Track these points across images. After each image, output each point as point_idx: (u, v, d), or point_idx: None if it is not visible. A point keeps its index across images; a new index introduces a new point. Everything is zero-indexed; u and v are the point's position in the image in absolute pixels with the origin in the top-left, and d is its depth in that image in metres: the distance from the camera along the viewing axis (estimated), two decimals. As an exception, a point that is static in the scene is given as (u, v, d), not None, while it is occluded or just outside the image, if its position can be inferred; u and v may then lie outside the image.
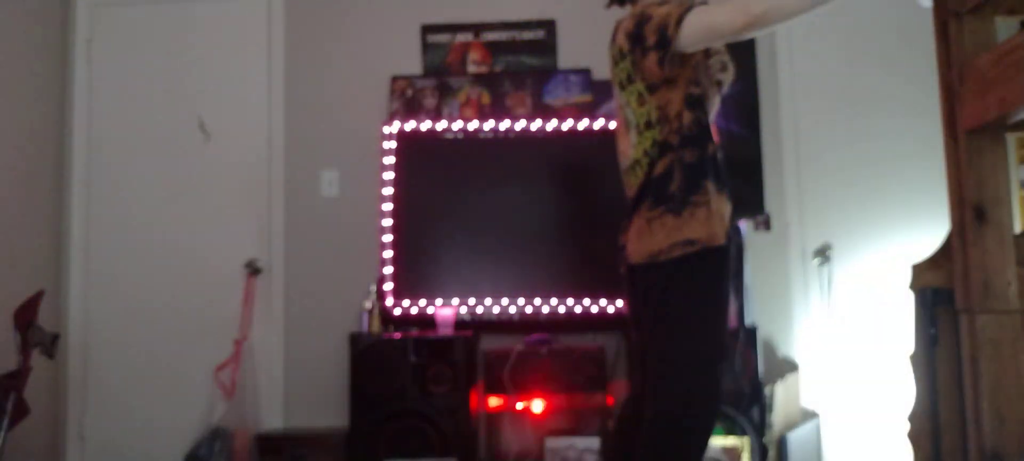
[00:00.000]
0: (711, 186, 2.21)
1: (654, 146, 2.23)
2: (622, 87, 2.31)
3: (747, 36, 2.11)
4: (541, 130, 3.90)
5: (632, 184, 2.30)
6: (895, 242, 3.78)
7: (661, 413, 2.16)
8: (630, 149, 2.30)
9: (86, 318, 4.09)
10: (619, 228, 2.37)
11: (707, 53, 2.30)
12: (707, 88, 2.30)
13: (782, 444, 3.47)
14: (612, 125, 3.68)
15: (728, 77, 2.35)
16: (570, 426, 3.72)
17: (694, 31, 2.12)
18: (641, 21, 2.22)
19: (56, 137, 4.14)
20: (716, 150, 2.27)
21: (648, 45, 2.19)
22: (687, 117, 2.22)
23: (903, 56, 3.87)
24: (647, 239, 2.20)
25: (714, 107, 2.37)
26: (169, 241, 4.11)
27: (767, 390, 3.61)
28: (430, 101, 4.07)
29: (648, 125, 2.24)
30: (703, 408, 2.15)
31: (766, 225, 3.91)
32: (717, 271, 2.19)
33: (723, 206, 2.22)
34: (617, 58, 2.31)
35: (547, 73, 4.06)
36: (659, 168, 2.21)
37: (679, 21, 2.13)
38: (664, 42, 2.15)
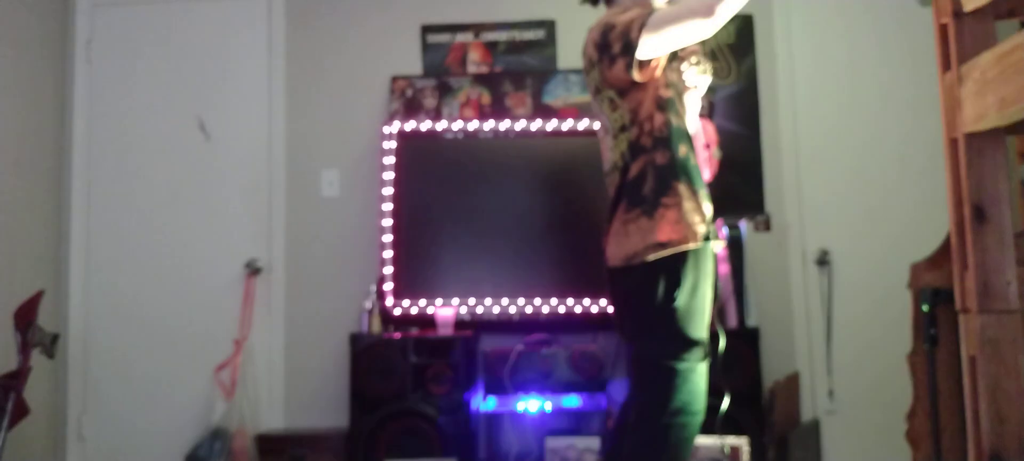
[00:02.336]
0: (682, 188, 2.20)
1: (629, 148, 2.25)
2: (594, 94, 2.35)
3: (709, 34, 2.14)
4: (541, 130, 3.90)
5: (611, 188, 2.32)
6: (895, 242, 3.77)
7: (642, 416, 2.16)
8: (609, 152, 2.33)
9: (86, 318, 4.09)
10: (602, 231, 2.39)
11: (680, 56, 2.30)
12: (681, 89, 2.30)
13: (782, 444, 3.47)
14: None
15: (705, 79, 2.35)
16: (570, 426, 3.72)
17: (656, 35, 2.15)
18: (606, 30, 2.25)
19: (56, 137, 4.14)
20: (689, 152, 2.26)
21: (614, 53, 2.21)
22: (658, 119, 2.23)
23: (903, 56, 3.87)
24: (623, 242, 2.21)
25: (695, 108, 2.36)
26: (169, 241, 4.11)
27: (767, 390, 3.61)
28: (430, 101, 4.07)
29: (623, 129, 2.27)
30: (684, 410, 2.15)
31: (766, 225, 3.91)
32: (692, 272, 2.17)
33: (698, 207, 2.21)
34: (587, 67, 2.34)
35: (547, 73, 4.07)
36: (634, 171, 2.23)
37: (642, 26, 2.15)
38: (629, 48, 2.18)
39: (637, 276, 2.19)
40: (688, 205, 2.19)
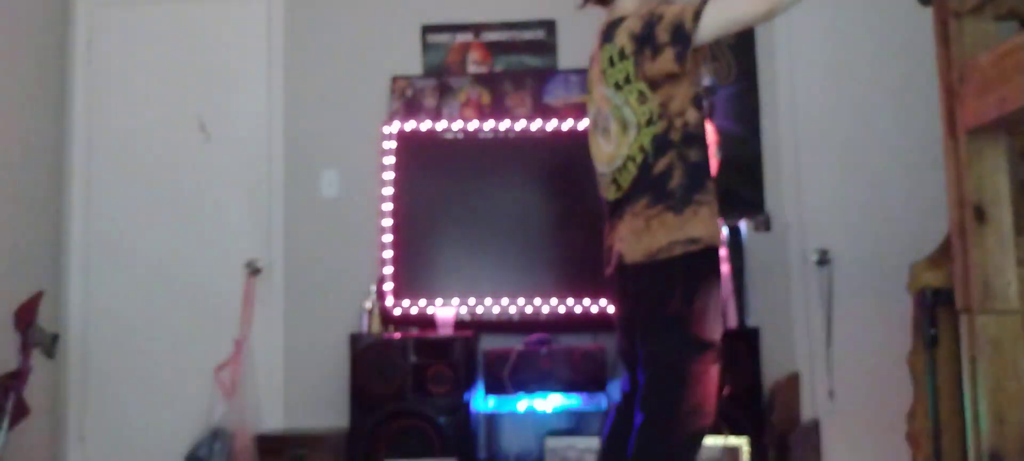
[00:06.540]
0: (711, 185, 2.23)
1: (652, 142, 2.20)
2: (618, 87, 2.26)
3: (767, 21, 2.17)
4: (541, 130, 3.90)
5: (622, 184, 2.27)
6: (895, 242, 3.77)
7: (654, 416, 2.15)
8: (622, 148, 2.25)
9: (86, 318, 4.09)
10: (605, 229, 2.37)
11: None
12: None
13: (782, 444, 3.47)
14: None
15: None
16: (570, 426, 3.72)
17: (714, 24, 2.13)
18: (651, 21, 2.19)
19: (56, 137, 4.14)
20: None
21: (661, 43, 2.16)
22: (692, 115, 2.22)
23: (903, 56, 3.87)
24: (646, 238, 2.18)
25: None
26: (169, 241, 4.11)
27: (767, 390, 3.61)
28: (430, 101, 4.07)
29: (649, 122, 2.22)
30: (696, 411, 2.14)
31: (766, 225, 3.91)
32: (715, 270, 2.21)
33: (717, 210, 2.25)
34: (614, 59, 2.26)
35: (547, 73, 4.06)
36: (659, 166, 2.19)
37: (697, 16, 2.12)
38: (683, 37, 2.14)
39: (661, 272, 2.17)
40: (716, 206, 2.23)
